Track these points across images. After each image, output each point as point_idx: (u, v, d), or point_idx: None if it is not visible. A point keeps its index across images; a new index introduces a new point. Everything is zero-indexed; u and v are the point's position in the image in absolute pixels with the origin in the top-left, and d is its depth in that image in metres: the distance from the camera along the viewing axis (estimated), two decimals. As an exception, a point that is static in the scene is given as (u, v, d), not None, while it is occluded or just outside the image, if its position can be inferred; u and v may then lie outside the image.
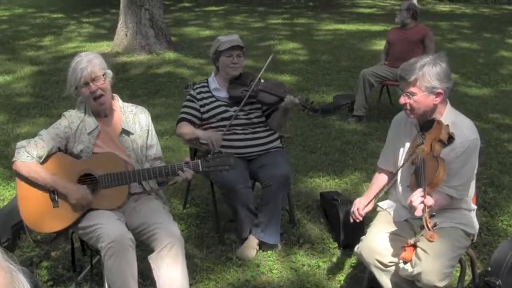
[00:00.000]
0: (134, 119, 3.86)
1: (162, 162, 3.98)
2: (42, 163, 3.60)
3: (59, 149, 3.69)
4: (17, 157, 3.57)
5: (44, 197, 3.61)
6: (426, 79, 3.26)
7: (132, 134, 3.82)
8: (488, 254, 4.43)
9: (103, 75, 3.65)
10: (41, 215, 3.61)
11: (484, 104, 8.59)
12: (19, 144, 3.63)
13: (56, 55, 11.84)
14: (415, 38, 7.67)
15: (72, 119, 3.73)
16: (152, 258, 3.59)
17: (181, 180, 3.71)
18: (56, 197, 3.60)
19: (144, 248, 4.06)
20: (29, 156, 3.54)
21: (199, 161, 3.68)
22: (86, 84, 3.61)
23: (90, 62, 3.62)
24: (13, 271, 1.26)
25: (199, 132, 4.52)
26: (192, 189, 5.46)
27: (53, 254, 3.81)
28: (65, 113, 3.80)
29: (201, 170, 3.69)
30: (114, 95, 3.86)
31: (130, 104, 3.96)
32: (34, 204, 3.61)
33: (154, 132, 3.97)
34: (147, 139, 3.90)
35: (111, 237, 3.39)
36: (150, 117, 3.98)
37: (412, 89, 3.30)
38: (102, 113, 3.76)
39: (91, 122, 3.73)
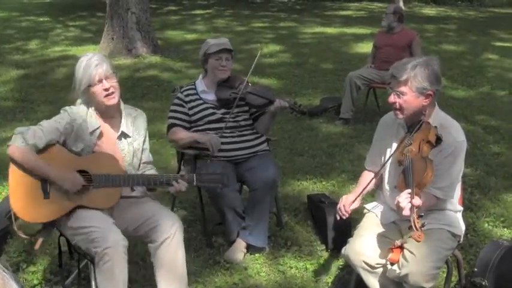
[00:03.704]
0: (134, 122, 3.88)
1: (152, 167, 4.02)
2: (40, 152, 3.55)
3: (58, 142, 3.65)
4: (13, 142, 3.53)
5: (35, 187, 3.56)
6: (417, 80, 3.28)
7: (130, 137, 3.83)
8: (474, 255, 4.46)
9: (114, 73, 3.68)
10: (30, 203, 3.57)
11: (470, 106, 8.64)
12: (18, 130, 3.57)
13: (42, 59, 11.79)
14: (402, 43, 7.69)
15: (75, 116, 3.69)
16: (153, 248, 3.65)
17: (174, 191, 3.73)
18: (48, 188, 3.56)
19: (131, 252, 4.05)
20: (23, 142, 3.49)
21: (194, 175, 3.74)
22: (100, 81, 3.61)
23: (103, 60, 3.65)
24: (5, 278, 1.27)
25: (197, 136, 4.53)
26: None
27: (35, 247, 3.75)
28: (67, 108, 3.74)
29: (194, 184, 3.75)
30: None
31: (130, 107, 3.97)
32: (24, 191, 3.56)
33: (147, 137, 4.00)
34: (143, 144, 3.93)
35: (108, 243, 3.38)
36: (146, 122, 4.00)
37: (403, 89, 3.32)
38: (110, 113, 3.76)
39: (93, 121, 3.71)
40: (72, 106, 3.78)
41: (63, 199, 3.58)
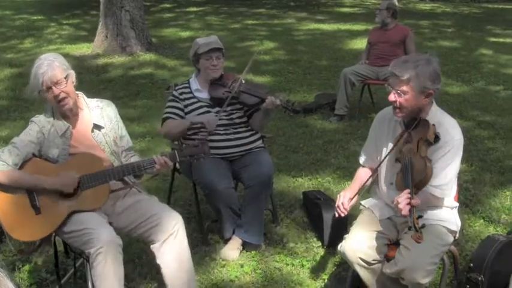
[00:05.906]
0: (102, 113, 3.84)
1: (134, 154, 4.02)
2: (19, 169, 3.53)
3: (33, 155, 3.62)
4: None
5: (25, 206, 3.53)
6: (420, 79, 3.25)
7: (103, 127, 3.80)
8: (470, 251, 4.46)
9: (65, 77, 3.58)
10: (25, 223, 3.53)
11: (464, 102, 8.65)
12: None
13: (36, 57, 11.58)
14: (396, 39, 7.68)
15: (43, 123, 3.67)
16: (156, 248, 3.65)
17: (158, 168, 3.68)
18: (38, 203, 3.53)
19: (127, 251, 4.05)
20: (4, 164, 3.46)
21: (175, 151, 3.72)
22: (49, 88, 3.54)
23: (50, 65, 3.56)
24: (1, 276, 1.26)
25: (191, 118, 4.54)
26: (175, 191, 5.44)
27: (38, 260, 3.73)
28: (33, 118, 3.72)
29: (178, 159, 3.74)
30: (78, 93, 3.80)
31: (95, 99, 3.92)
32: (15, 213, 3.53)
33: (122, 124, 3.98)
34: (119, 130, 3.91)
35: (101, 243, 3.37)
36: (116, 109, 3.97)
37: (404, 88, 3.28)
38: (70, 114, 3.71)
39: (61, 124, 3.68)
40: (37, 115, 3.76)
41: (55, 210, 3.55)
